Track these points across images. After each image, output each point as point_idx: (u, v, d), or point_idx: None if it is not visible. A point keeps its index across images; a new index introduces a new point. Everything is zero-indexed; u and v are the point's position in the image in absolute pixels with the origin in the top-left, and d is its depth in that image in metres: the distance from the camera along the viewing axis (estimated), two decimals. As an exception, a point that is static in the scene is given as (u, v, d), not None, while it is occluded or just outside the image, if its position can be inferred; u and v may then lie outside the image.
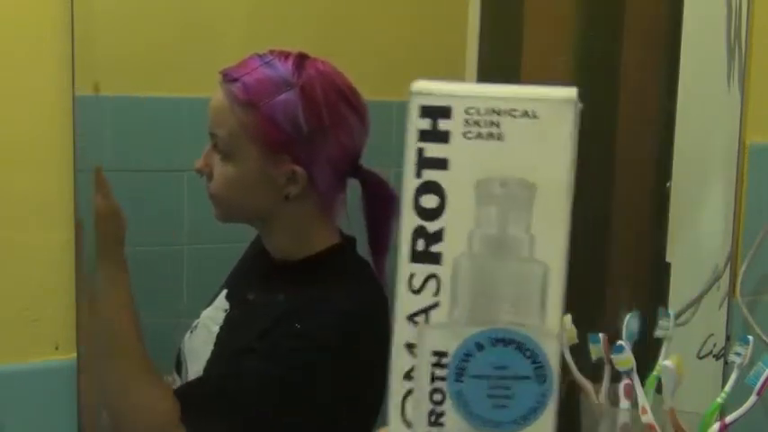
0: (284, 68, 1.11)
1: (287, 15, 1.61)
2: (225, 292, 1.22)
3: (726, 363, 1.23)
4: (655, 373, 1.13)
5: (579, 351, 1.16)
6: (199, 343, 1.17)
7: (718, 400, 1.05)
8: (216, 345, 1.15)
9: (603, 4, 1.74)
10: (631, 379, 1.11)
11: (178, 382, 1.18)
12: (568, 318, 1.16)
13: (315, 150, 1.10)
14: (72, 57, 0.99)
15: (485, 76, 1.50)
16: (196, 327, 1.20)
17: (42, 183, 0.99)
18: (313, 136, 1.10)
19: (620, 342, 1.12)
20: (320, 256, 1.15)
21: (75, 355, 1.02)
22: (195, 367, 1.16)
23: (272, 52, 1.13)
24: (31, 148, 0.99)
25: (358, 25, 1.69)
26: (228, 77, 1.11)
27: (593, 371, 1.17)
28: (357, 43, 1.66)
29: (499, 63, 1.57)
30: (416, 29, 1.73)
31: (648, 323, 1.17)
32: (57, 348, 1.01)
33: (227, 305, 1.19)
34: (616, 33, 1.73)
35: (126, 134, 1.45)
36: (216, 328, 1.17)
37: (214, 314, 1.19)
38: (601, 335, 1.15)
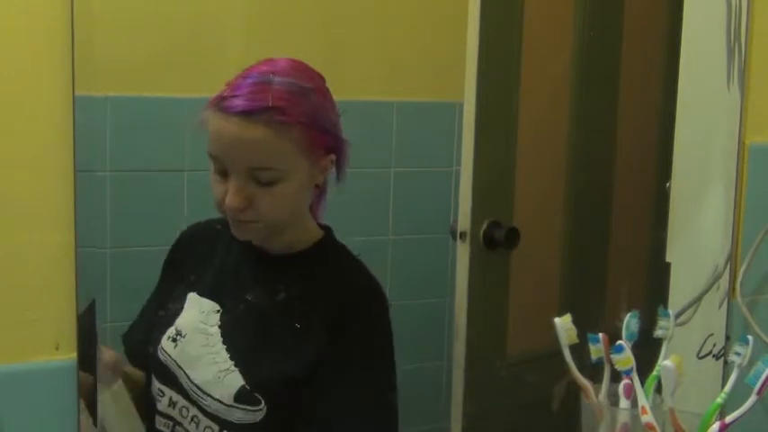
0: (291, 77, 1.13)
1: (287, 17, 1.61)
2: (195, 295, 1.21)
3: (726, 363, 1.23)
4: (655, 373, 1.13)
5: (579, 351, 1.16)
6: (195, 348, 1.18)
7: (718, 400, 1.05)
8: (229, 343, 1.17)
9: (603, 3, 1.74)
10: (631, 379, 1.11)
11: (170, 394, 1.19)
12: (568, 318, 1.16)
13: (338, 135, 1.18)
14: (72, 57, 0.99)
15: (485, 76, 1.50)
16: (181, 335, 1.19)
17: (42, 183, 0.99)
18: (336, 122, 1.18)
19: (620, 342, 1.12)
20: (319, 245, 1.23)
21: (75, 355, 1.02)
22: (198, 372, 1.17)
23: (258, 71, 1.13)
24: (31, 148, 0.99)
25: (358, 27, 1.69)
26: (256, 110, 1.09)
27: (593, 371, 1.17)
28: (357, 45, 1.66)
29: (499, 63, 1.57)
30: (417, 30, 1.74)
31: (648, 323, 1.17)
32: (57, 348, 1.01)
33: (215, 306, 1.19)
34: (616, 33, 1.73)
35: (126, 134, 1.46)
36: (215, 329, 1.18)
37: (203, 318, 1.19)
38: (601, 335, 1.15)
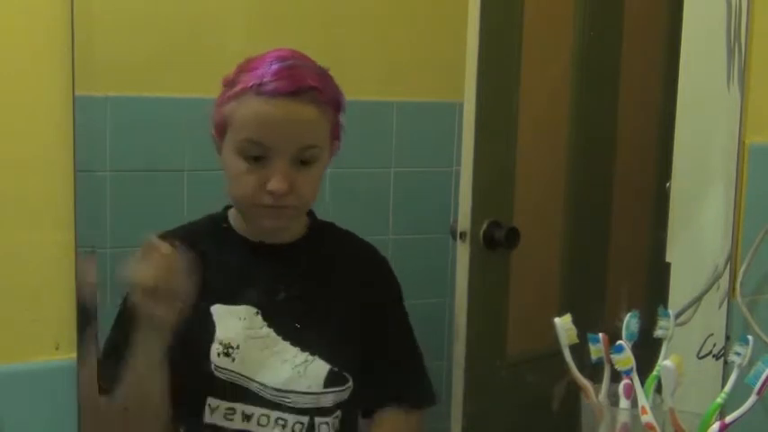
0: (308, 61, 1.16)
1: (286, 17, 1.61)
2: (220, 306, 1.17)
3: (726, 363, 1.23)
4: (655, 373, 1.13)
5: (579, 351, 1.16)
6: (255, 354, 1.15)
7: (718, 400, 1.05)
8: (291, 337, 1.16)
9: (603, 3, 1.74)
10: (631, 379, 1.11)
11: (242, 408, 1.15)
12: (568, 318, 1.16)
13: (342, 122, 1.20)
14: (72, 57, 0.99)
15: (485, 76, 1.50)
16: (232, 347, 1.16)
17: (42, 183, 0.99)
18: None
19: (620, 342, 1.12)
20: (313, 228, 1.25)
21: (75, 355, 1.02)
22: (270, 376, 1.15)
23: (275, 56, 1.14)
24: (31, 148, 0.99)
25: (358, 27, 1.69)
26: (303, 89, 1.11)
27: (593, 371, 1.17)
28: (357, 45, 1.66)
29: (499, 63, 1.57)
30: (417, 30, 1.74)
31: (648, 323, 1.17)
32: (57, 348, 1.01)
33: (252, 309, 1.17)
34: (616, 33, 1.73)
35: (126, 134, 1.46)
36: (266, 330, 1.17)
37: (246, 324, 1.16)
38: (601, 335, 1.15)
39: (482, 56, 1.48)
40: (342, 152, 1.22)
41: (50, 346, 1.01)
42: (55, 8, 0.98)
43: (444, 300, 1.62)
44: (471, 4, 1.47)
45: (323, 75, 1.16)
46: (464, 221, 1.52)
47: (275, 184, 1.12)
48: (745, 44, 1.31)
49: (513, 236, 1.58)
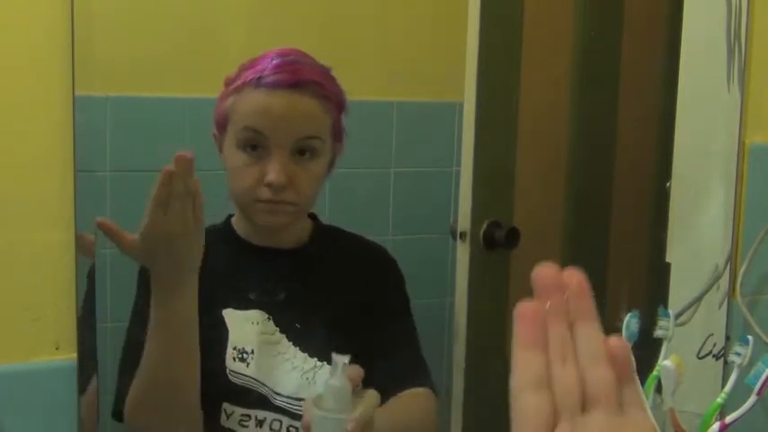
0: (310, 59, 1.15)
1: (287, 16, 1.61)
2: (231, 310, 1.16)
3: (726, 363, 1.23)
4: (655, 373, 1.13)
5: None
6: (268, 360, 1.13)
7: (719, 400, 1.05)
8: (301, 343, 1.15)
9: (603, 3, 1.74)
10: (631, 379, 1.11)
11: (255, 413, 1.13)
12: (568, 318, 1.16)
13: (344, 126, 1.20)
14: (72, 57, 0.99)
15: (485, 76, 1.50)
16: (246, 352, 1.14)
17: (42, 183, 0.99)
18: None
19: (620, 342, 1.12)
20: (318, 232, 1.24)
21: (75, 355, 1.02)
22: (282, 382, 1.13)
23: (277, 53, 1.14)
24: (31, 148, 0.99)
25: (358, 27, 1.69)
26: (303, 82, 1.11)
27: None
28: (357, 45, 1.66)
29: (499, 63, 1.57)
30: (416, 30, 1.73)
31: (648, 323, 1.17)
32: (57, 348, 1.01)
33: (263, 314, 1.15)
34: (616, 33, 1.73)
35: (126, 134, 1.45)
36: (278, 336, 1.15)
37: (259, 329, 1.15)
38: (601, 335, 1.15)
39: (482, 56, 1.48)
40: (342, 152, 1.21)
41: (50, 346, 1.01)
42: (55, 8, 0.98)
43: (444, 300, 1.61)
44: (471, 3, 1.47)
45: (325, 72, 1.16)
46: (464, 221, 1.52)
47: (273, 175, 1.10)
48: (745, 44, 1.31)
49: (513, 236, 1.58)
